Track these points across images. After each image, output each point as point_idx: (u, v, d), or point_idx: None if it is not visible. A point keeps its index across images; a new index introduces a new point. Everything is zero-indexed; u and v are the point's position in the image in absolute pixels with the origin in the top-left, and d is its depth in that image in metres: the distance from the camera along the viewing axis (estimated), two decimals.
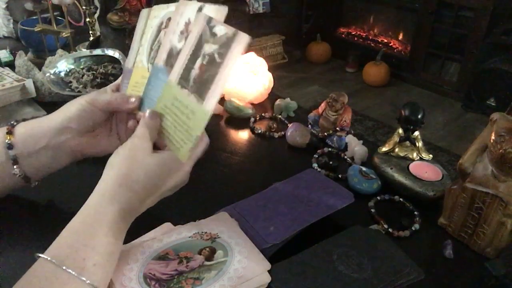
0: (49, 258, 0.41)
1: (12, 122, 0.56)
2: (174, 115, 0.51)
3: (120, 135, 0.61)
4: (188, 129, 0.49)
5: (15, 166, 0.54)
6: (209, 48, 0.47)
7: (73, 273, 0.40)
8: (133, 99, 0.56)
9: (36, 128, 0.55)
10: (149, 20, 0.59)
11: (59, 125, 0.55)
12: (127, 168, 0.48)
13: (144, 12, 0.60)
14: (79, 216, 0.46)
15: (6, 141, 0.54)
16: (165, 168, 0.50)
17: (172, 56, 0.53)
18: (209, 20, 0.48)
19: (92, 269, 0.42)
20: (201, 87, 0.47)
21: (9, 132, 0.54)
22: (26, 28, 1.14)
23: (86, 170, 0.72)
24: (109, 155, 0.50)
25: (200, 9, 0.51)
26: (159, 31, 0.58)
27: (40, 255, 0.42)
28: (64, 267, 0.40)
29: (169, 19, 0.56)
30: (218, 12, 0.50)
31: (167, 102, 0.52)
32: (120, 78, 0.61)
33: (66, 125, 0.55)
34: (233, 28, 0.45)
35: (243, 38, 0.45)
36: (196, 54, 0.49)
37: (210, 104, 0.47)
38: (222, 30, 0.46)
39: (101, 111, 0.56)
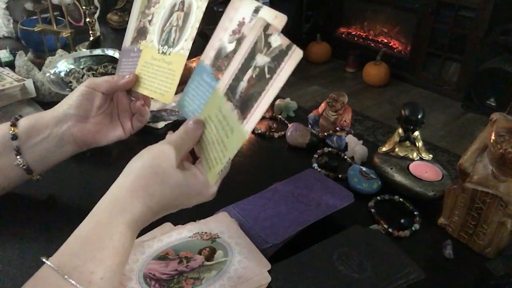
0: (56, 268, 0.39)
1: (16, 116, 0.57)
2: (215, 128, 0.46)
3: (123, 124, 0.61)
4: (223, 149, 0.44)
5: (18, 157, 0.55)
6: (261, 59, 0.41)
7: (80, 286, 0.39)
8: (127, 76, 0.58)
9: (39, 120, 0.57)
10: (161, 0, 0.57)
11: (60, 115, 0.57)
12: (146, 180, 0.44)
13: None
14: (89, 223, 0.44)
15: (10, 132, 0.55)
16: (187, 189, 0.46)
17: (220, 57, 0.48)
18: (267, 26, 0.42)
19: (100, 283, 0.41)
20: (244, 104, 0.42)
21: (13, 125, 0.56)
22: (26, 28, 1.14)
23: (86, 167, 0.72)
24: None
25: (256, 11, 0.45)
26: (171, 12, 0.56)
27: (46, 261, 0.40)
28: (71, 280, 0.39)
29: (183, 2, 0.54)
30: (276, 18, 0.43)
31: (211, 112, 0.46)
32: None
33: (67, 112, 0.57)
34: (288, 40, 0.40)
35: (297, 54, 0.39)
36: (248, 64, 0.43)
37: (250, 126, 0.41)
38: (277, 40, 0.40)
39: (100, 92, 0.57)
